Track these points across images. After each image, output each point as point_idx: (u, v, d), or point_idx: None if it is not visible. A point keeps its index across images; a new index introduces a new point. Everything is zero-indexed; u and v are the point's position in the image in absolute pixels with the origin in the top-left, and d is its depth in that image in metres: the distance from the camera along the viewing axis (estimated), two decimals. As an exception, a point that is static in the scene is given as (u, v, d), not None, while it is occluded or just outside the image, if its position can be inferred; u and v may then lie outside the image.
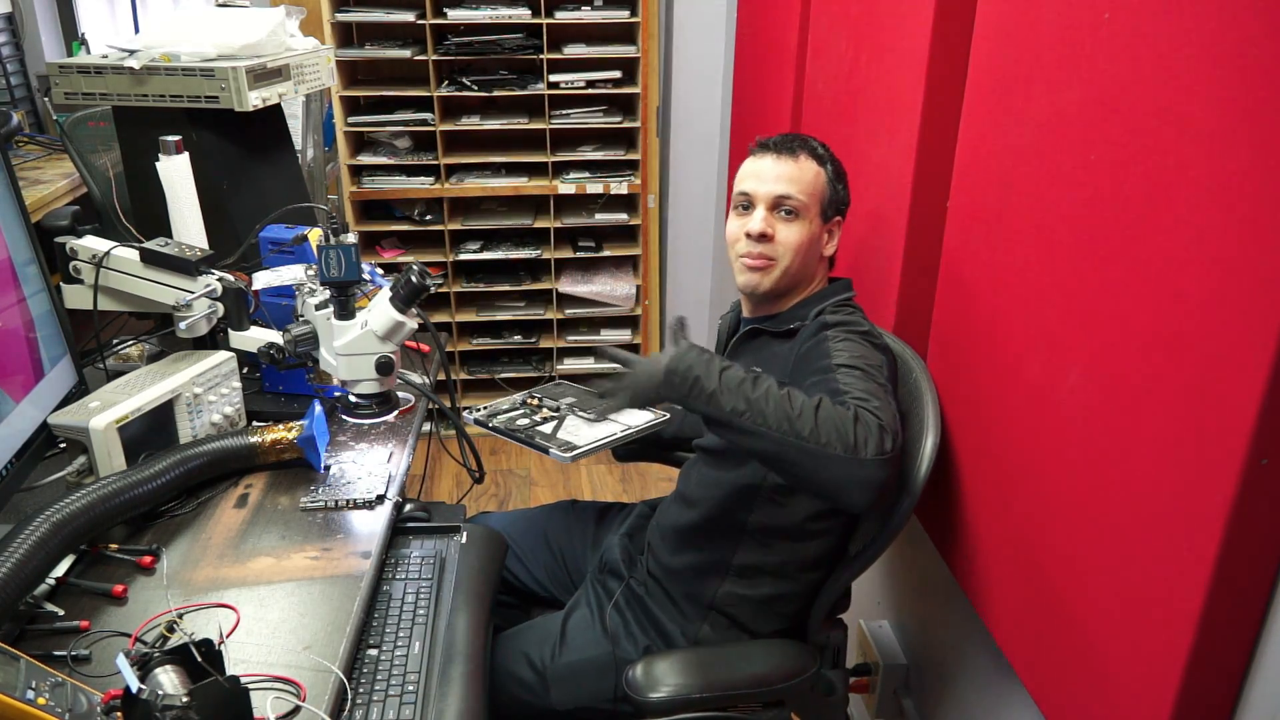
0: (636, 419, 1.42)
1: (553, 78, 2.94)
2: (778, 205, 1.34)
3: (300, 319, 1.45)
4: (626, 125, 3.05)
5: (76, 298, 1.51)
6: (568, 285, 3.19)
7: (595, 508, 1.68)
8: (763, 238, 1.33)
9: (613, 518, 1.64)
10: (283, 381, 1.63)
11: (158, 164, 1.61)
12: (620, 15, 2.92)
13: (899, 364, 1.41)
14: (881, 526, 1.31)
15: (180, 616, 1.13)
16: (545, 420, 1.44)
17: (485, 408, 1.50)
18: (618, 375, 1.21)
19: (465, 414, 1.51)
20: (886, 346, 1.30)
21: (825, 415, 1.07)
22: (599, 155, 3.09)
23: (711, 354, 1.17)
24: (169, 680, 0.94)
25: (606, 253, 3.19)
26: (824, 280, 1.41)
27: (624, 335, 3.31)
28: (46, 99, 2.70)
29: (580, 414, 1.45)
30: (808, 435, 1.06)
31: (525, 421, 1.44)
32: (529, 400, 1.52)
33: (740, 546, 1.34)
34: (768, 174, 1.35)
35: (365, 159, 3.01)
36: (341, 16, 2.88)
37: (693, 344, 1.18)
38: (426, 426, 1.67)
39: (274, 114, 1.99)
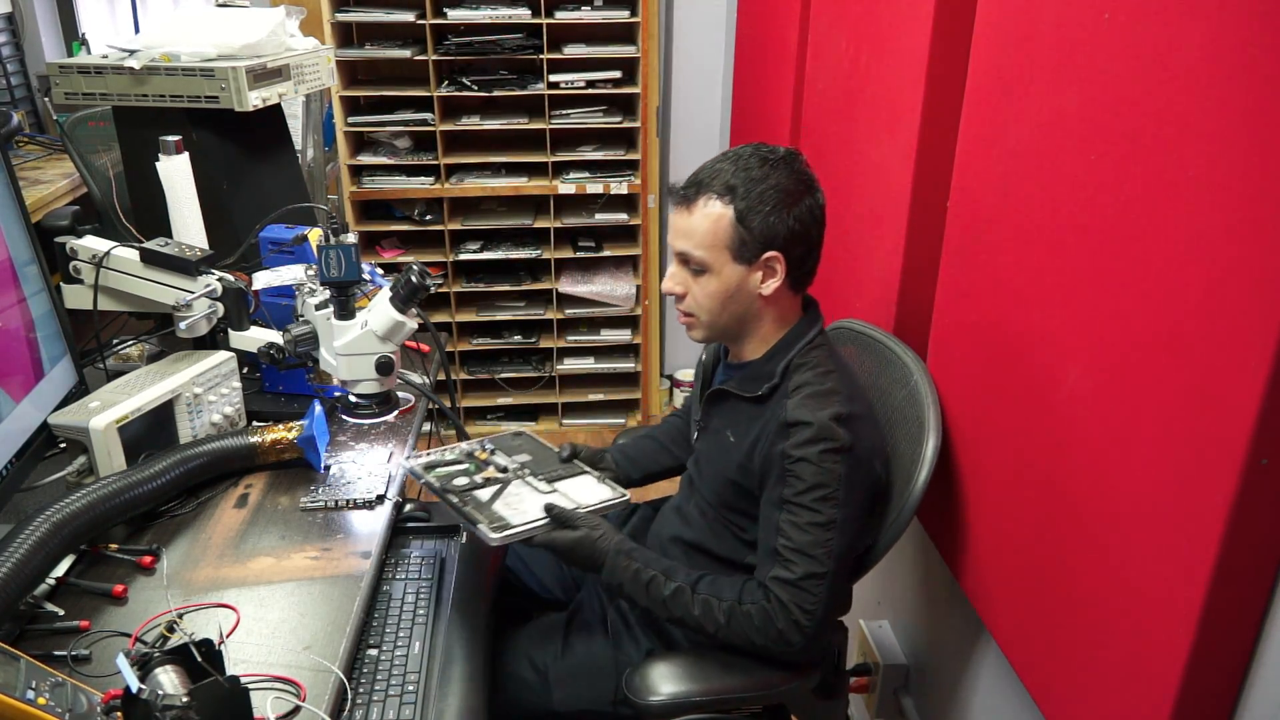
0: (591, 495, 1.31)
1: (553, 78, 2.94)
2: (685, 261, 1.26)
3: (300, 319, 1.45)
4: (626, 125, 3.05)
5: (76, 298, 1.51)
6: (568, 285, 3.19)
7: None
8: (675, 296, 1.29)
9: (613, 518, 1.63)
10: (283, 381, 1.63)
11: (158, 164, 1.61)
12: (620, 15, 2.92)
13: (895, 369, 1.41)
14: (880, 534, 1.30)
15: (180, 616, 1.13)
16: (488, 482, 1.32)
17: (427, 454, 1.40)
18: (552, 535, 1.23)
19: (404, 462, 1.42)
20: (849, 447, 1.18)
21: (737, 629, 1.20)
22: (599, 155, 3.09)
23: (639, 565, 1.23)
24: (169, 680, 0.93)
25: (606, 253, 3.19)
26: (783, 320, 1.29)
27: (624, 335, 3.31)
28: (47, 99, 2.70)
29: (530, 480, 1.33)
30: (724, 641, 1.22)
31: (464, 481, 1.32)
32: (478, 454, 1.40)
33: (737, 570, 1.32)
34: (673, 228, 1.27)
35: (365, 159, 3.01)
36: (341, 16, 2.88)
37: (619, 548, 1.24)
38: (426, 426, 1.67)
39: (274, 114, 1.99)
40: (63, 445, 1.33)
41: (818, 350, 1.28)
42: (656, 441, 1.57)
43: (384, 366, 1.36)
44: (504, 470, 1.36)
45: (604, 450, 1.52)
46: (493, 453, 1.41)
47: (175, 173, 1.62)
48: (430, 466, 1.37)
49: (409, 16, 2.83)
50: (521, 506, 1.26)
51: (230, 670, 0.99)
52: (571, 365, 3.32)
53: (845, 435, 1.18)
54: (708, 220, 1.22)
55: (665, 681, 1.23)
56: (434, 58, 2.87)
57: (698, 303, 1.27)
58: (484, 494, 1.30)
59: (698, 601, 1.21)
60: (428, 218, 3.08)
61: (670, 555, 1.40)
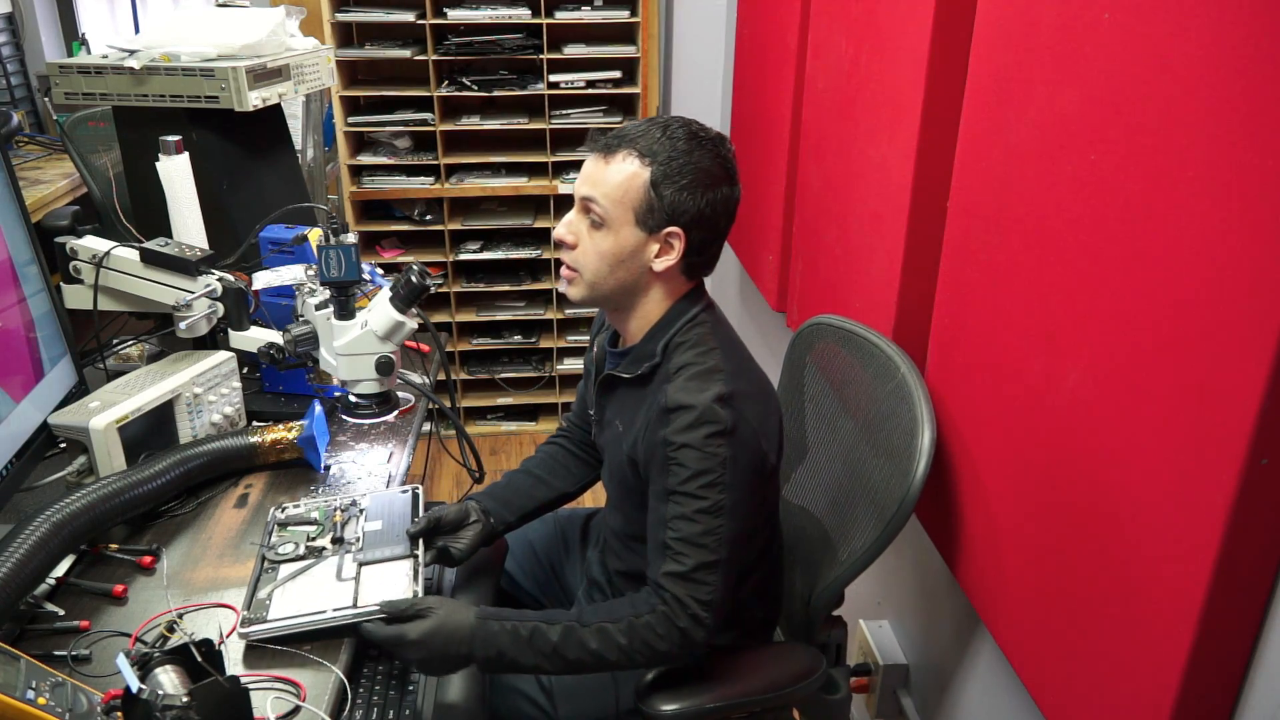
0: (378, 593, 1.15)
1: (553, 78, 2.94)
2: (587, 209, 1.20)
3: (300, 319, 1.45)
4: (626, 125, 3.05)
5: (76, 298, 1.51)
6: (568, 285, 3.19)
7: (579, 516, 1.62)
8: (564, 244, 1.22)
9: (595, 527, 1.59)
10: (283, 381, 1.64)
11: (158, 164, 1.61)
12: (620, 15, 2.92)
13: (878, 362, 1.38)
14: (876, 532, 1.30)
15: (180, 616, 1.13)
16: (311, 552, 1.22)
17: (303, 505, 1.32)
18: (400, 651, 1.11)
19: (275, 510, 1.32)
20: (732, 429, 1.13)
21: (639, 646, 1.14)
22: (599, 155, 3.08)
23: (513, 621, 1.14)
24: (169, 680, 0.94)
25: (606, 253, 3.19)
26: (670, 299, 1.24)
27: (624, 335, 3.31)
28: (47, 99, 2.70)
29: (346, 558, 1.21)
30: (629, 664, 1.16)
31: (289, 548, 1.22)
32: (335, 515, 1.29)
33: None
34: (584, 174, 1.21)
35: (365, 159, 3.01)
36: (341, 16, 2.88)
37: (480, 614, 1.13)
38: (426, 426, 1.67)
39: (274, 114, 1.99)
40: (63, 445, 1.34)
41: (700, 327, 1.22)
42: (530, 476, 1.46)
43: (384, 366, 1.36)
44: (338, 542, 1.25)
45: (470, 502, 1.38)
46: (360, 515, 1.30)
47: (175, 173, 1.62)
48: (285, 523, 1.29)
49: (409, 16, 2.83)
50: (321, 591, 1.15)
51: (230, 670, 0.99)
52: (572, 365, 3.32)
53: (728, 416, 1.13)
54: (622, 175, 1.17)
55: (679, 690, 1.20)
56: (434, 58, 2.87)
57: (586, 258, 1.20)
58: (288, 569, 1.19)
59: (591, 634, 1.13)
60: (428, 218, 3.08)
61: (616, 559, 1.37)
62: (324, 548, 1.23)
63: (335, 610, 1.11)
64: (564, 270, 1.24)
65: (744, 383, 1.19)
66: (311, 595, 1.14)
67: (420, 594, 1.14)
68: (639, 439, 1.20)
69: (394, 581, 1.16)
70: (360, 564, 1.19)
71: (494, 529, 1.37)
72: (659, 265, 1.20)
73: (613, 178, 1.17)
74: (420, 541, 1.27)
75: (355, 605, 1.12)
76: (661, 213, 1.17)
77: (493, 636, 1.13)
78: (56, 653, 1.06)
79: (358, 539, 1.25)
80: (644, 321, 1.25)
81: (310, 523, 1.28)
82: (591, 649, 1.13)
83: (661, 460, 1.15)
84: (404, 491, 1.35)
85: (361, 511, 1.31)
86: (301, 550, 1.22)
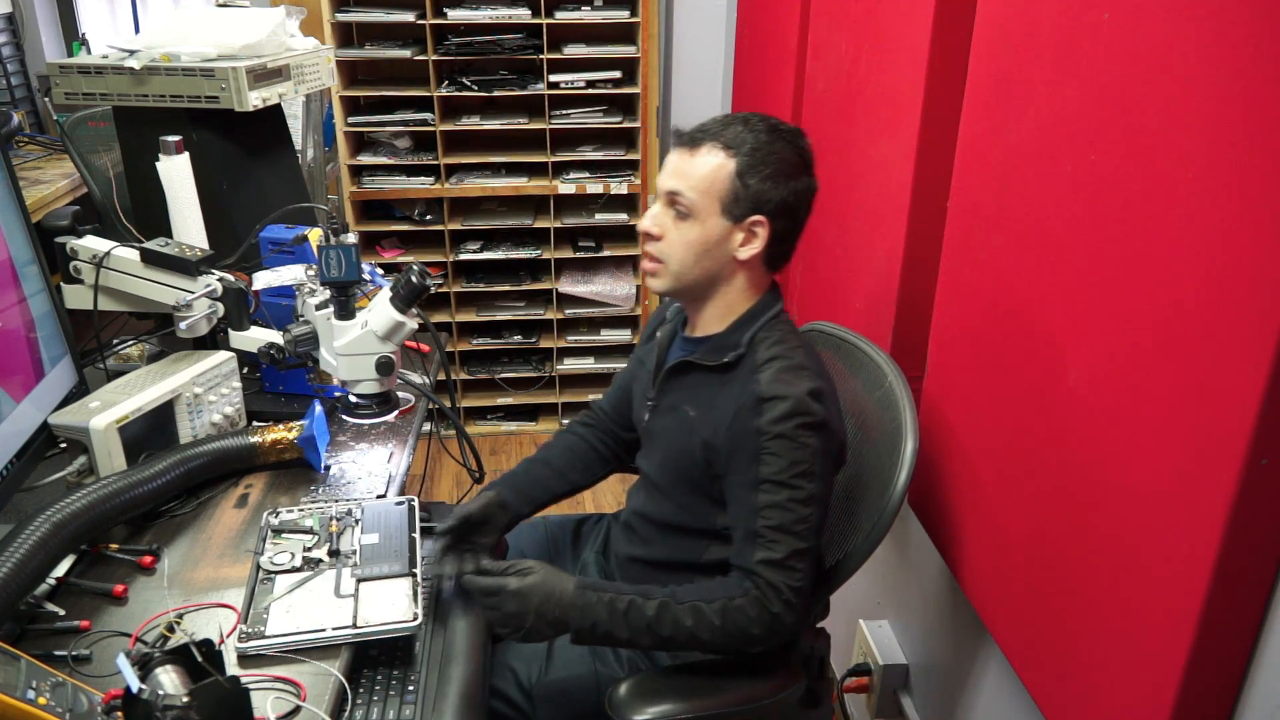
0: (379, 614, 1.12)
1: (553, 78, 2.94)
2: (672, 202, 1.24)
3: (300, 319, 1.45)
4: (626, 125, 3.05)
5: (76, 298, 1.51)
6: (568, 285, 3.19)
7: (569, 522, 1.62)
8: (648, 237, 1.26)
9: (587, 532, 1.59)
10: (283, 381, 1.64)
11: (158, 164, 1.61)
12: (620, 15, 2.92)
13: (867, 371, 1.39)
14: (857, 540, 1.29)
15: (180, 616, 1.13)
16: (308, 564, 1.20)
17: (298, 510, 1.31)
18: (497, 600, 1.13)
19: (268, 515, 1.30)
20: (823, 422, 1.18)
21: (733, 628, 1.16)
22: (599, 155, 3.09)
23: (611, 593, 1.15)
24: (169, 680, 0.94)
25: (606, 253, 3.19)
26: (753, 289, 1.28)
27: (624, 335, 3.31)
28: (47, 99, 2.70)
29: (344, 573, 1.19)
30: (719, 647, 1.18)
31: (285, 559, 1.21)
32: (331, 524, 1.27)
33: (698, 580, 1.29)
34: (670, 168, 1.25)
35: (365, 159, 3.01)
36: (341, 16, 2.88)
37: (579, 584, 1.15)
38: (426, 426, 1.67)
39: (274, 114, 1.99)
40: (63, 445, 1.34)
41: (783, 325, 1.27)
42: (549, 467, 1.48)
43: (384, 366, 1.36)
44: (334, 555, 1.23)
45: (489, 492, 1.39)
46: (354, 525, 1.28)
47: (175, 173, 1.62)
48: (280, 529, 1.27)
49: (409, 16, 2.83)
50: (314, 608, 1.13)
51: (230, 670, 0.99)
52: (571, 365, 3.32)
53: (820, 410, 1.18)
54: (708, 166, 1.21)
55: (650, 699, 1.19)
56: (434, 58, 2.87)
57: (672, 248, 1.24)
58: (285, 581, 1.18)
59: (685, 611, 1.16)
60: (428, 218, 3.08)
61: (630, 577, 1.38)
62: (320, 560, 1.22)
63: (335, 630, 1.10)
64: (647, 264, 1.28)
65: (825, 382, 1.24)
66: (310, 611, 1.13)
67: (419, 614, 1.14)
68: (722, 426, 1.22)
69: (394, 600, 1.15)
70: (359, 580, 1.18)
71: (509, 523, 1.40)
72: (744, 254, 1.24)
73: (699, 169, 1.22)
74: (446, 553, 1.28)
75: (355, 625, 1.11)
76: (747, 201, 1.21)
77: (590, 607, 1.15)
78: (57, 653, 1.06)
79: (354, 552, 1.23)
80: (726, 312, 1.28)
81: (305, 531, 1.27)
82: (686, 626, 1.16)
83: (754, 449, 1.18)
84: (399, 503, 1.33)
85: (357, 522, 1.29)
86: (298, 561, 1.21)
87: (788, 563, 1.16)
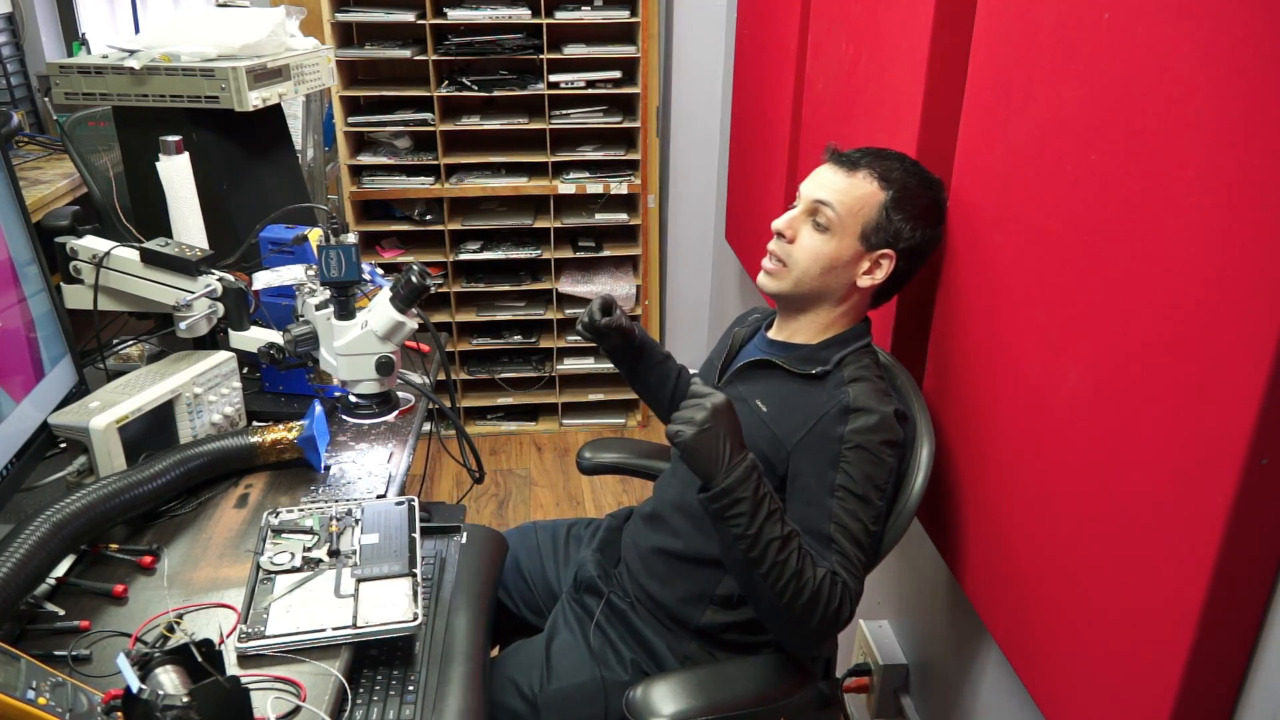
0: (380, 613, 1.12)
1: (553, 78, 2.94)
2: (814, 211, 1.28)
3: (300, 319, 1.45)
4: (626, 125, 3.05)
5: (76, 298, 1.51)
6: (568, 285, 3.19)
7: (558, 527, 1.63)
8: (782, 236, 1.30)
9: (579, 534, 1.59)
10: (283, 381, 1.64)
11: (158, 164, 1.61)
12: (620, 15, 2.92)
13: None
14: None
15: (180, 616, 1.13)
16: (307, 564, 1.20)
17: (297, 510, 1.31)
18: (691, 414, 1.09)
19: (268, 515, 1.29)
20: (903, 443, 1.24)
21: (822, 595, 1.12)
22: (599, 155, 3.09)
23: (766, 490, 1.11)
24: (169, 680, 0.94)
25: (606, 253, 3.19)
26: (852, 315, 1.33)
27: (624, 335, 3.31)
28: (47, 99, 2.70)
29: (344, 573, 1.19)
30: (785, 601, 1.12)
31: (285, 559, 1.20)
32: (331, 524, 1.27)
33: (725, 577, 1.31)
34: (817, 178, 1.30)
35: (365, 159, 3.01)
36: (341, 16, 2.88)
37: (751, 468, 1.10)
38: (426, 426, 1.67)
39: (274, 114, 1.99)
40: (63, 445, 1.34)
41: (870, 355, 1.32)
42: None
43: (384, 366, 1.36)
44: (334, 555, 1.22)
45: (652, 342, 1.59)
46: (356, 524, 1.28)
47: (175, 173, 1.62)
48: (280, 529, 1.27)
49: (409, 16, 2.83)
50: (313, 608, 1.13)
51: (230, 670, 0.99)
52: (571, 365, 3.32)
53: (901, 433, 1.23)
54: (862, 190, 1.27)
55: (668, 701, 1.19)
56: (434, 58, 2.87)
57: (801, 254, 1.28)
58: (285, 581, 1.17)
59: (806, 555, 1.13)
60: (428, 218, 3.08)
61: (649, 572, 1.38)
62: (320, 560, 1.22)
63: (335, 630, 1.10)
64: (769, 263, 1.31)
65: (908, 411, 1.30)
66: (310, 611, 1.13)
67: (419, 614, 1.12)
68: (800, 428, 1.24)
69: (394, 600, 1.15)
70: (359, 580, 1.18)
71: (632, 344, 1.55)
72: (864, 281, 1.29)
73: (854, 190, 1.27)
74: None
75: (355, 625, 1.11)
76: (885, 233, 1.26)
77: (749, 477, 1.10)
78: (57, 653, 1.06)
79: (354, 552, 1.23)
80: (822, 329, 1.33)
81: (305, 531, 1.27)
82: (793, 563, 1.11)
83: (833, 454, 1.21)
84: (399, 503, 1.33)
85: (357, 522, 1.29)
86: (298, 562, 1.21)
87: (854, 569, 1.18)
